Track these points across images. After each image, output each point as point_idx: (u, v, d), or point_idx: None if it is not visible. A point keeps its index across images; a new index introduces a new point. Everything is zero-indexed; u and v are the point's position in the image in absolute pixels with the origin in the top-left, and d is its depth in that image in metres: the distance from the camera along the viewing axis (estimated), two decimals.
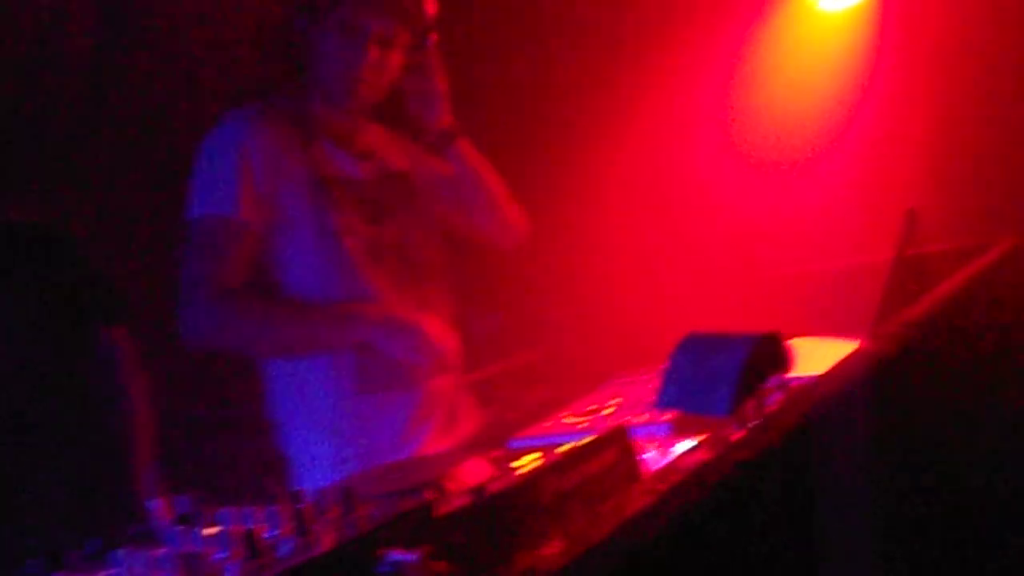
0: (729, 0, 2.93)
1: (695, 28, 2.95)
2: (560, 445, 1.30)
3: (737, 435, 0.74)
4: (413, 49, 1.78)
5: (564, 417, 1.89)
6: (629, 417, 1.70)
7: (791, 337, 2.01)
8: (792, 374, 1.61)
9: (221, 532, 0.87)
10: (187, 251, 1.68)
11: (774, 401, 0.69)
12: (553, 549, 1.06)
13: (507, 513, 0.97)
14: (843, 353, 1.26)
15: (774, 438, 0.60)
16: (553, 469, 1.06)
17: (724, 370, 0.74)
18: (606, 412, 1.81)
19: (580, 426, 1.77)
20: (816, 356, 1.73)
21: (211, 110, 1.86)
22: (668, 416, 1.60)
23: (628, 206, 3.05)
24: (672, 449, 1.51)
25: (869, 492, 0.57)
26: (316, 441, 1.72)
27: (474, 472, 1.19)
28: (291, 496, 0.94)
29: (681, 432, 1.57)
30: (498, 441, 1.92)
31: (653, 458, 1.47)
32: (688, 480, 0.59)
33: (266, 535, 0.89)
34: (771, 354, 0.81)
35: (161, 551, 0.85)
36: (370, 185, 1.84)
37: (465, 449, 1.75)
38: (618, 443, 1.19)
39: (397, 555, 0.80)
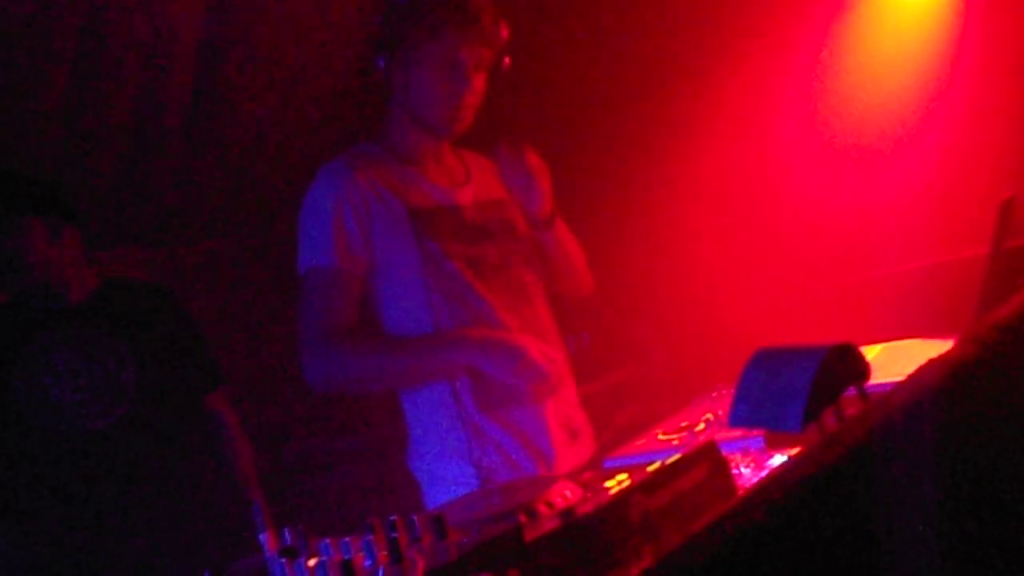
0: None
1: (778, 20, 2.90)
2: (654, 462, 1.30)
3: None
4: (493, 71, 1.83)
5: (658, 434, 1.87)
6: (722, 432, 1.68)
7: (885, 340, 1.96)
8: (880, 381, 1.56)
9: (320, 563, 0.91)
10: (300, 304, 1.78)
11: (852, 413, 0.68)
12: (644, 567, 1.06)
13: (596, 534, 0.98)
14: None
15: (839, 453, 0.59)
16: (642, 488, 1.06)
17: (794, 384, 0.73)
18: (699, 428, 1.79)
19: (673, 443, 1.75)
20: (909, 360, 1.67)
21: (294, 176, 1.97)
22: (761, 430, 1.58)
23: (712, 213, 3.01)
24: (767, 463, 1.49)
25: (934, 512, 0.55)
26: (441, 461, 1.78)
27: (566, 495, 1.20)
28: (387, 525, 0.98)
29: (775, 446, 1.55)
30: (592, 462, 1.93)
31: (748, 474, 1.45)
32: (749, 498, 0.58)
33: (364, 564, 0.92)
34: (845, 365, 0.80)
35: None
36: (468, 210, 1.88)
37: (586, 465, 1.79)
38: (709, 459, 1.18)
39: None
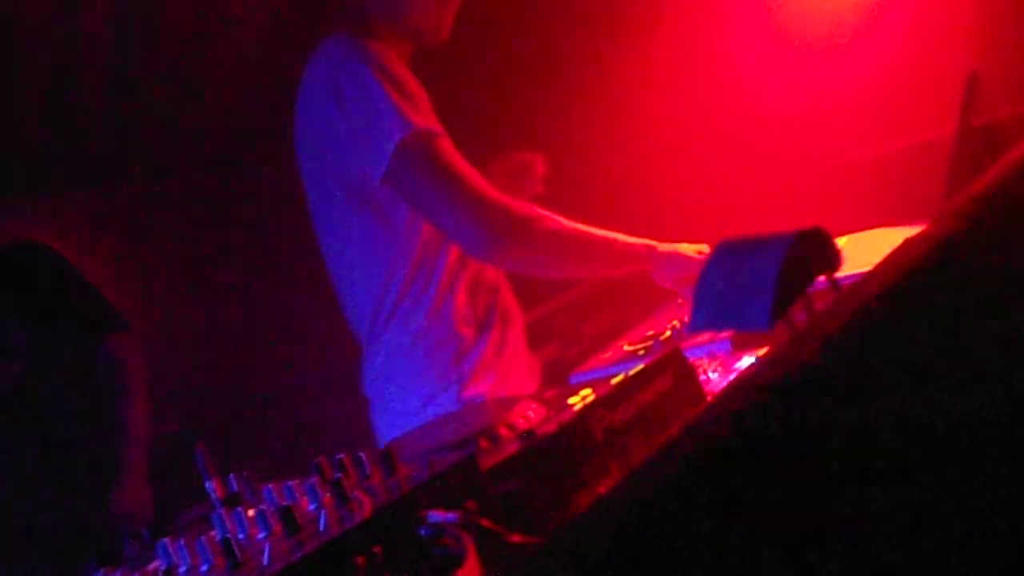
0: None
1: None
2: (619, 375, 1.24)
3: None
4: None
5: (624, 345, 1.82)
6: (688, 338, 1.63)
7: (852, 230, 1.90)
8: (850, 272, 1.51)
9: (259, 511, 0.84)
10: (426, 168, 1.56)
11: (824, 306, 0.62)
12: (610, 484, 1.01)
13: (557, 455, 0.92)
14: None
15: (811, 348, 0.52)
16: (604, 403, 1.00)
17: (759, 277, 0.66)
18: (665, 336, 1.74)
19: (640, 353, 1.70)
20: (877, 250, 1.62)
21: None
22: (727, 333, 1.53)
23: (666, 112, 2.89)
24: (735, 366, 1.44)
25: (917, 408, 0.49)
26: (405, 385, 1.69)
27: (529, 415, 1.14)
28: (332, 464, 0.91)
29: (742, 348, 1.50)
30: (559, 378, 1.88)
31: (716, 379, 1.40)
32: (715, 408, 0.51)
33: (308, 508, 0.85)
34: (814, 253, 0.72)
35: (203, 537, 0.82)
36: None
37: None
38: (674, 367, 1.12)
39: (438, 515, 0.76)
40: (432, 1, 1.67)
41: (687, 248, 1.71)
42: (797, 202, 2.24)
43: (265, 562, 0.73)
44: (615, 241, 1.68)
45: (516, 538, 0.74)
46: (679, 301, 1.91)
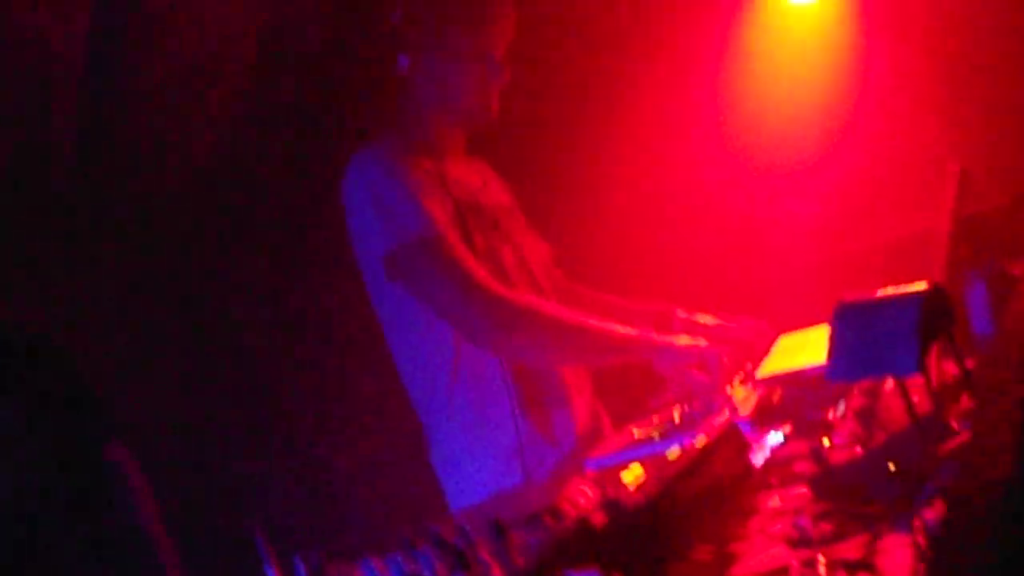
0: (703, 6, 2.95)
1: (673, 31, 2.97)
2: (637, 459, 1.29)
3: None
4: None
5: (633, 430, 1.86)
6: (707, 419, 1.69)
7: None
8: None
9: None
10: (422, 274, 1.65)
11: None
12: (704, 555, 1.03)
13: (656, 522, 0.95)
14: None
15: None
16: (686, 473, 1.04)
17: (900, 328, 0.73)
18: (676, 421, 1.80)
19: (654, 437, 1.75)
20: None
21: None
22: (747, 414, 1.59)
23: (630, 221, 3.04)
24: (763, 442, 1.50)
25: None
26: (484, 457, 1.72)
27: (587, 493, 1.16)
28: (434, 535, 0.91)
29: (762, 425, 1.57)
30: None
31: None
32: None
33: None
34: (938, 307, 0.80)
35: None
36: (493, 209, 1.89)
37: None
38: (734, 442, 1.17)
39: (572, 572, 0.77)
40: (478, 89, 1.77)
41: (684, 340, 1.75)
42: (783, 291, 2.36)
43: None
44: (614, 332, 1.72)
45: None
46: (673, 387, 1.98)
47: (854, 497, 1.07)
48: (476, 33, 1.74)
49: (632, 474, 1.22)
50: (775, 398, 1.64)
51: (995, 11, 2.33)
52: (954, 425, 0.98)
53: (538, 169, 2.26)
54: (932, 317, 0.78)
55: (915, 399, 1.20)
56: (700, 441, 1.16)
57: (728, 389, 1.75)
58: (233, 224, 3.46)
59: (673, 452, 1.19)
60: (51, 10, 2.62)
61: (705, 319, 2.05)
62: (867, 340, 0.76)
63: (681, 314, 2.05)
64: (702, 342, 1.75)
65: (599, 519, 0.94)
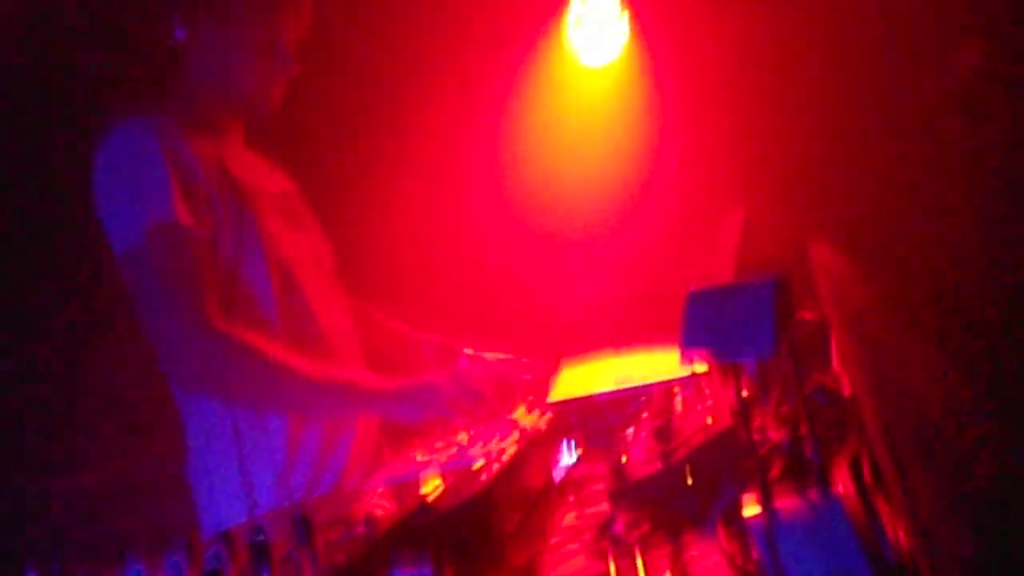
0: (493, 51, 3.01)
1: (458, 81, 3.00)
2: (440, 472, 1.23)
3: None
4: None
5: (416, 455, 1.78)
6: (489, 445, 1.66)
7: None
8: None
9: None
10: (146, 275, 1.42)
11: None
12: (518, 560, 0.98)
13: (472, 524, 0.88)
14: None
15: None
16: (500, 479, 0.99)
17: (756, 314, 0.73)
18: (461, 442, 1.75)
19: (441, 460, 1.68)
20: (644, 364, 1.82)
21: None
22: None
23: (415, 257, 3.00)
24: (557, 462, 1.49)
25: None
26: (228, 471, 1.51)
27: (384, 505, 1.06)
28: (250, 529, 0.78)
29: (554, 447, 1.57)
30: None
31: None
32: None
33: None
34: (784, 299, 0.82)
35: None
36: (281, 197, 1.74)
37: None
38: (539, 454, 1.14)
39: (405, 571, 0.69)
40: (261, 74, 1.65)
41: (436, 383, 1.53)
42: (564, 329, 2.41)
43: None
44: (347, 386, 1.50)
45: None
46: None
47: (657, 508, 1.08)
48: (264, 19, 1.63)
49: (431, 486, 1.15)
50: (564, 422, 1.65)
51: (789, 67, 2.56)
52: (754, 437, 1.02)
53: (319, 178, 2.14)
54: (781, 307, 0.81)
55: (707, 417, 1.25)
56: (510, 450, 1.11)
57: (515, 414, 1.74)
58: None
59: (477, 464, 1.13)
60: None
61: (490, 356, 2.02)
62: (722, 325, 0.77)
63: (466, 350, 2.01)
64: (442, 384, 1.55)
65: (417, 520, 0.86)
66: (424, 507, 0.91)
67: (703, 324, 0.81)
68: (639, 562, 0.90)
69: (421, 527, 0.84)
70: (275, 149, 1.90)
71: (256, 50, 1.64)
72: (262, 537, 0.71)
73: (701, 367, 1.60)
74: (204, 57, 1.63)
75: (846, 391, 1.24)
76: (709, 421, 1.24)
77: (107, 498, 2.69)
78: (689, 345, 0.83)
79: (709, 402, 1.36)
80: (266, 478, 1.51)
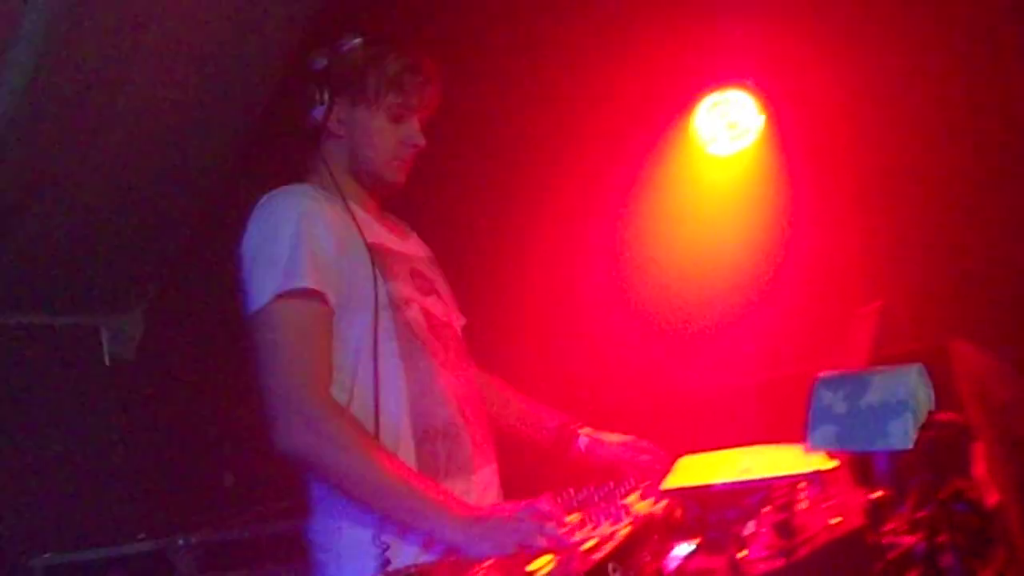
0: (622, 143, 3.05)
1: (585, 173, 3.05)
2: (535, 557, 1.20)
3: None
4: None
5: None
6: (600, 527, 1.62)
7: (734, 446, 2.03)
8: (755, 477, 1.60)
9: None
10: (267, 343, 1.51)
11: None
12: None
13: None
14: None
15: None
16: (613, 560, 0.97)
17: (892, 402, 0.70)
18: (571, 522, 1.72)
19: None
20: (776, 460, 1.73)
21: None
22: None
23: (538, 339, 3.02)
24: (671, 554, 1.44)
25: None
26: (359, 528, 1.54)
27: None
28: None
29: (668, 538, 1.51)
30: None
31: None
32: None
33: None
34: (927, 391, 0.78)
35: None
36: (416, 261, 1.82)
37: None
38: (652, 540, 1.11)
39: None
40: (388, 152, 1.75)
41: (504, 521, 1.40)
42: (682, 421, 2.35)
43: None
44: (424, 505, 1.46)
45: None
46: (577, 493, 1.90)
47: None
48: (394, 101, 1.73)
49: (540, 563, 1.13)
50: (679, 513, 1.60)
51: (922, 154, 2.48)
52: (885, 540, 0.96)
53: (449, 248, 2.22)
54: (922, 397, 0.77)
55: (832, 517, 1.18)
56: (623, 531, 1.09)
57: (628, 499, 1.69)
58: None
59: (588, 544, 1.11)
60: None
61: (608, 438, 1.99)
62: (853, 414, 0.73)
63: (585, 431, 2.00)
64: (510, 522, 1.41)
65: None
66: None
67: (832, 412, 0.78)
68: None
69: None
70: (412, 217, 2.00)
71: (385, 130, 1.74)
72: None
73: (829, 463, 1.53)
74: (337, 134, 1.74)
75: (990, 500, 1.15)
76: (835, 520, 1.18)
77: (231, 552, 2.78)
78: (815, 434, 0.80)
79: (836, 500, 1.29)
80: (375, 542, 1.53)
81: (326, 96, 1.71)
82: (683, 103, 2.98)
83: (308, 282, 1.54)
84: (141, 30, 2.84)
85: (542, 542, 1.31)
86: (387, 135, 1.74)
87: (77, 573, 2.76)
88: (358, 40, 1.74)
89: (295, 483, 1.65)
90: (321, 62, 1.74)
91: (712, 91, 2.97)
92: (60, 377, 3.40)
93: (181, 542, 2.76)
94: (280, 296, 1.52)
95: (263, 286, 1.54)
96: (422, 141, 1.77)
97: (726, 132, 3.02)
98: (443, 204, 2.90)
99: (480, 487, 1.71)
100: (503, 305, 2.92)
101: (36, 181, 3.04)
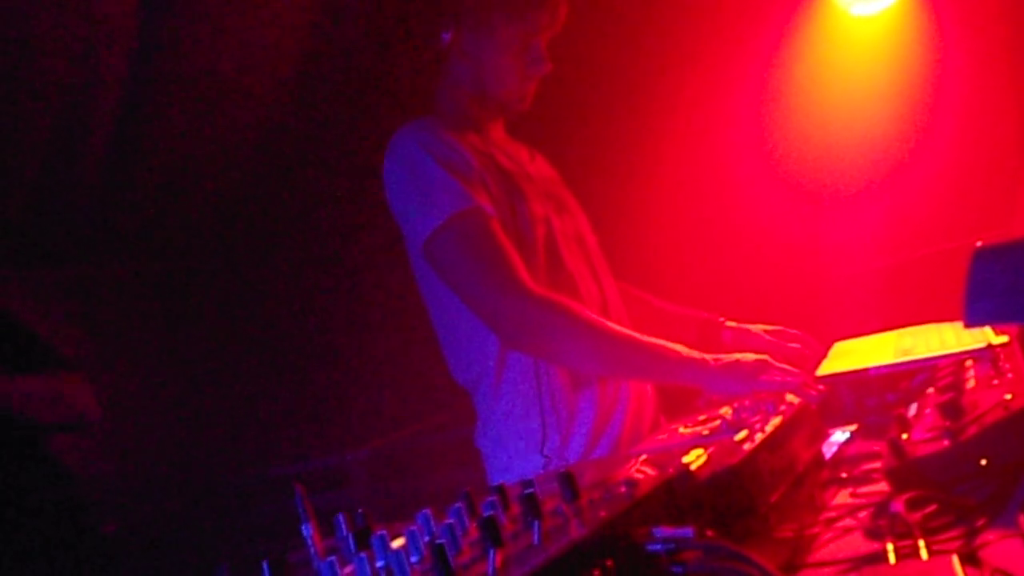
0: (758, 10, 2.89)
1: (725, 40, 2.91)
2: (688, 450, 1.21)
3: None
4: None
5: (679, 428, 1.78)
6: (754, 419, 1.61)
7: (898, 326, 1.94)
8: (924, 356, 1.53)
9: (414, 537, 0.76)
10: (459, 254, 1.56)
11: None
12: (785, 533, 0.95)
13: (734, 492, 0.87)
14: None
15: None
16: (762, 449, 0.96)
17: None
18: (727, 416, 1.71)
19: (704, 433, 1.66)
20: (938, 339, 1.64)
21: None
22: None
23: (672, 232, 2.97)
24: (829, 439, 1.42)
25: None
26: (511, 442, 1.64)
27: (647, 471, 1.08)
28: (495, 490, 0.84)
29: (825, 424, 1.49)
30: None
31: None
32: None
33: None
34: None
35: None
36: (544, 182, 1.83)
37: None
38: (807, 426, 1.09)
39: (666, 531, 0.69)
40: (515, 77, 1.72)
41: (746, 357, 1.53)
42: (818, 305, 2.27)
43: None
44: (661, 350, 1.54)
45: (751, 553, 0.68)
46: (708, 398, 1.90)
47: (942, 490, 0.99)
48: (519, 19, 1.68)
49: (693, 455, 1.14)
50: (835, 399, 1.56)
51: None
52: None
53: (577, 162, 2.19)
54: None
55: (1005, 393, 1.12)
56: (774, 421, 1.07)
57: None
58: (274, 215, 3.44)
59: (740, 435, 1.11)
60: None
61: (755, 328, 1.95)
62: (1019, 285, 0.68)
63: (730, 323, 1.96)
64: (755, 359, 1.52)
65: (678, 485, 0.86)
66: (685, 474, 0.91)
67: (994, 284, 0.72)
68: (921, 544, 0.83)
69: (682, 491, 0.84)
70: (538, 137, 1.99)
71: (511, 53, 1.70)
72: (531, 490, 0.75)
73: (999, 338, 1.44)
74: (464, 59, 1.72)
75: None
76: (1008, 397, 1.11)
77: (399, 462, 2.98)
78: (975, 309, 0.75)
79: (1009, 375, 1.22)
80: (550, 445, 1.60)
81: (451, 22, 1.70)
82: None
83: (471, 202, 1.57)
84: None
85: (782, 379, 1.40)
86: (511, 62, 1.70)
87: (274, 484, 3.03)
88: None
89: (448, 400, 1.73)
90: None
91: None
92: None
93: (350, 457, 2.98)
94: (453, 217, 1.56)
95: (431, 210, 1.57)
96: (547, 67, 1.73)
97: None
98: (572, 102, 2.85)
99: (634, 392, 1.73)
100: (636, 215, 2.88)
101: None
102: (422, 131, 1.66)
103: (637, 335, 1.56)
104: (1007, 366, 1.27)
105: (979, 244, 0.76)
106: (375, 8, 2.89)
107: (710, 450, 1.09)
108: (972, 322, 0.79)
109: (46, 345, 2.26)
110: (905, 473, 1.05)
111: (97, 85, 2.82)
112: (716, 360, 1.51)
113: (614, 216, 2.36)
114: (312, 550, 0.92)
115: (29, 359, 2.20)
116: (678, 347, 1.54)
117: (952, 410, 1.11)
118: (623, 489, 0.83)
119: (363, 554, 0.78)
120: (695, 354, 1.52)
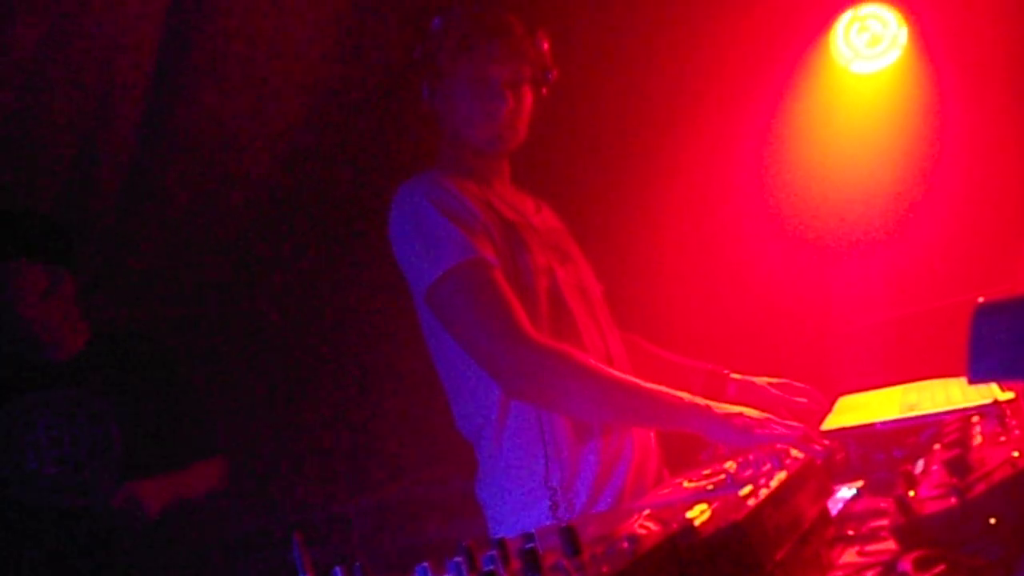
0: (759, 69, 2.94)
1: (728, 98, 2.96)
2: (705, 500, 1.19)
3: None
4: (538, 85, 1.79)
5: (683, 483, 1.76)
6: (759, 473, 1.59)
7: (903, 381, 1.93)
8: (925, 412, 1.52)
9: None
10: (459, 304, 1.56)
11: None
12: None
13: (739, 550, 0.85)
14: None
15: None
16: (771, 503, 0.95)
17: None
18: (730, 469, 1.69)
19: (708, 488, 1.64)
20: (942, 394, 1.63)
21: None
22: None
23: (677, 285, 2.98)
24: (835, 496, 1.40)
25: None
26: (514, 481, 1.64)
27: (649, 527, 1.06)
28: (496, 544, 0.82)
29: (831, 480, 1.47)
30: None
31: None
32: None
33: None
34: None
35: None
36: (549, 233, 1.83)
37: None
38: (814, 482, 1.08)
39: None
40: (478, 116, 1.71)
41: (750, 411, 1.53)
42: (834, 358, 2.26)
43: None
44: (664, 397, 1.54)
45: None
46: (712, 451, 1.88)
47: (951, 549, 0.97)
48: (466, 52, 1.68)
49: (697, 511, 1.12)
50: (841, 454, 1.54)
51: None
52: None
53: (585, 215, 2.20)
54: None
55: (1013, 451, 1.11)
56: (779, 476, 1.06)
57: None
58: (281, 259, 3.46)
59: (744, 490, 1.09)
60: (117, 38, 2.66)
61: (760, 381, 1.94)
62: (1017, 341, 0.68)
63: (734, 376, 1.95)
64: (758, 415, 1.53)
65: (680, 541, 0.85)
66: (689, 529, 0.90)
67: (997, 341, 0.72)
68: None
69: (684, 548, 0.83)
70: (545, 188, 2.00)
71: (469, 91, 1.69)
72: (532, 545, 0.74)
73: (1005, 394, 1.43)
74: (441, 107, 1.74)
75: None
76: (1016, 454, 1.10)
77: (399, 512, 2.95)
78: (979, 366, 0.74)
79: (1016, 432, 1.20)
80: (547, 499, 1.59)
81: (422, 74, 1.73)
82: (822, 22, 2.85)
83: (474, 252, 1.57)
84: None
85: (784, 433, 1.40)
86: (470, 101, 1.70)
87: (272, 535, 3.00)
88: (439, 17, 1.74)
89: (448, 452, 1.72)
90: (416, 48, 1.75)
91: (851, 5, 2.83)
92: None
93: (349, 507, 2.95)
94: (455, 267, 1.57)
95: (432, 263, 1.58)
96: (506, 100, 1.70)
97: (868, 48, 2.86)
98: (578, 157, 2.89)
99: (638, 444, 1.72)
100: (640, 267, 2.89)
101: None
102: (425, 183, 1.68)
103: (639, 381, 1.56)
104: (1014, 422, 1.26)
105: (981, 300, 0.76)
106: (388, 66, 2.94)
107: (714, 505, 1.07)
108: (976, 379, 0.78)
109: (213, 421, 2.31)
110: (912, 531, 1.03)
111: (110, 126, 2.87)
112: (719, 408, 1.51)
113: (620, 267, 2.37)
114: None
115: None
116: (681, 393, 1.53)
117: (959, 467, 1.10)
118: (625, 544, 0.82)
119: None
120: (699, 400, 1.52)
